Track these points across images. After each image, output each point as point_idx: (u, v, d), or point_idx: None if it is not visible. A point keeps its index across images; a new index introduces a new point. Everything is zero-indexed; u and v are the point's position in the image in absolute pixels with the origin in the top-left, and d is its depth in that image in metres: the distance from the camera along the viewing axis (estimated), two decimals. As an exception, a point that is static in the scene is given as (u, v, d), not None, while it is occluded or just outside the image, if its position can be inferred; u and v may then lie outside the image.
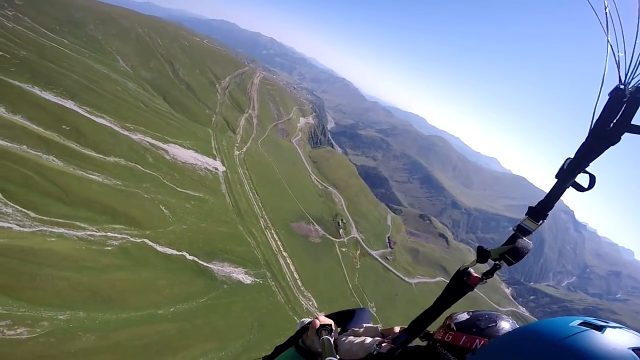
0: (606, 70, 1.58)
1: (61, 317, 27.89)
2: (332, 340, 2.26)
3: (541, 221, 1.98)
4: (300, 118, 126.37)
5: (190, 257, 40.85)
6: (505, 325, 1.84)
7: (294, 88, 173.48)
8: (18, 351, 24.15)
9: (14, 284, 27.62)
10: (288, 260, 54.20)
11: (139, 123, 59.63)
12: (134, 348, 28.89)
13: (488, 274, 2.09)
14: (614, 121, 1.62)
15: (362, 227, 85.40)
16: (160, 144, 58.34)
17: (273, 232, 58.58)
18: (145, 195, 44.95)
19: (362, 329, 2.79)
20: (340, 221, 79.53)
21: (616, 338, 1.18)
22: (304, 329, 2.61)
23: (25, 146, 39.13)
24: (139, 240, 37.93)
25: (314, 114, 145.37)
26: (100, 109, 55.13)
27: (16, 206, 31.89)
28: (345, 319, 3.35)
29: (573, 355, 1.16)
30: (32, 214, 32.37)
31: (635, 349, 1.12)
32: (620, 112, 1.60)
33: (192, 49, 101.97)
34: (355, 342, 2.50)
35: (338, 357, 2.10)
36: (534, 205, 2.01)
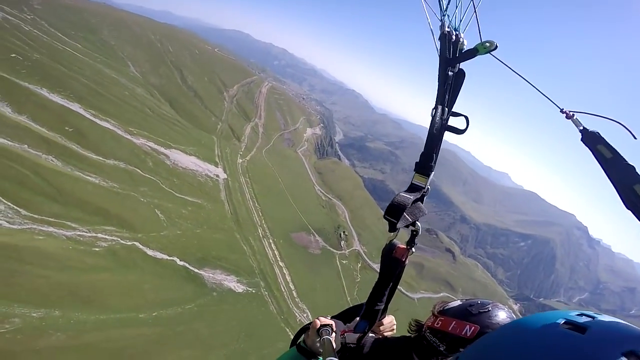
0: (429, 21, 1.96)
1: (34, 314, 27.08)
2: (333, 340, 2.19)
3: (430, 174, 2.03)
4: (307, 128, 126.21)
5: (181, 263, 39.92)
6: (500, 313, 1.69)
7: (303, 99, 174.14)
8: (-23, 346, 23.06)
9: (-10, 279, 26.99)
10: (284, 271, 52.76)
11: (143, 128, 60.02)
12: (106, 350, 27.82)
13: (410, 243, 2.09)
14: (440, 62, 1.92)
15: (365, 239, 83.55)
16: (162, 149, 58.45)
17: (271, 241, 57.46)
18: (142, 199, 44.64)
19: (351, 324, 2.65)
20: (342, 233, 78.00)
21: (601, 341, 1.04)
22: (305, 328, 2.57)
23: (25, 145, 39.47)
24: (129, 243, 37.34)
25: (322, 124, 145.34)
26: (105, 112, 55.71)
27: (8, 203, 31.95)
28: (353, 314, 3.19)
29: None
30: (23, 212, 32.33)
31: (626, 353, 0.97)
32: (440, 50, 1.92)
33: (202, 56, 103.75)
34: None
35: (337, 358, 2.03)
36: (418, 161, 2.07)
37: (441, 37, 1.94)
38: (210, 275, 41.53)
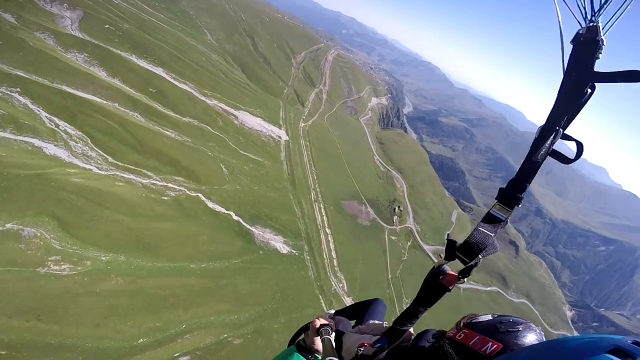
0: (559, 17, 1.47)
1: (104, 258, 29.30)
2: (332, 340, 2.26)
3: (516, 205, 1.74)
4: (373, 98, 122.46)
5: (236, 218, 42.87)
6: (530, 335, 1.52)
7: (371, 68, 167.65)
8: (50, 286, 25.76)
9: (75, 221, 30.17)
10: (330, 238, 54.07)
11: (216, 90, 64.64)
12: (153, 296, 29.66)
13: (464, 272, 1.81)
14: (577, 73, 1.47)
15: (421, 218, 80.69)
16: (231, 110, 62.64)
17: (322, 206, 59.02)
18: (209, 153, 49.10)
19: (367, 326, 2.72)
20: (397, 208, 76.21)
21: None
22: (305, 328, 2.65)
23: (117, 104, 45.59)
24: (193, 194, 41.07)
25: (389, 95, 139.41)
26: (184, 76, 61.00)
27: (99, 151, 37.61)
28: (360, 311, 3.33)
29: None
30: (110, 159, 37.70)
31: None
32: (581, 61, 1.45)
33: (272, 24, 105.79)
34: (352, 339, 2.46)
35: (337, 358, 2.07)
36: (503, 187, 1.76)
37: (585, 43, 1.43)
38: (260, 233, 43.96)
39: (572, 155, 1.60)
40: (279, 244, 45.04)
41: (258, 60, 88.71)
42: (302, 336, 2.62)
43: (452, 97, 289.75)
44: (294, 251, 46.12)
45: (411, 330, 2.35)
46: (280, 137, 67.34)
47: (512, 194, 1.73)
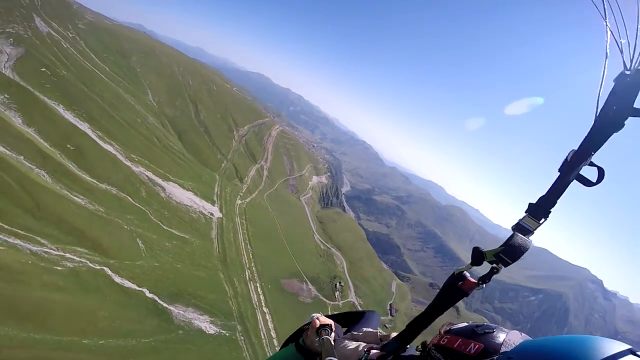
0: (607, 56, 1.64)
1: None
2: (332, 340, 2.23)
3: (543, 219, 1.87)
4: (314, 176, 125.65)
5: (150, 295, 36.72)
6: (502, 334, 1.69)
7: (313, 146, 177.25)
8: None
9: None
10: (267, 317, 48.15)
11: (145, 156, 60.08)
12: None
13: (484, 279, 1.95)
14: (617, 106, 1.69)
15: (362, 291, 78.05)
16: (159, 180, 57.64)
17: (258, 285, 53.52)
18: (125, 226, 42.87)
19: (361, 333, 2.69)
20: (338, 283, 73.20)
21: None
22: (304, 328, 2.57)
23: (22, 157, 39.31)
24: (97, 267, 34.91)
25: (329, 174, 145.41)
26: (111, 135, 56.05)
27: (-18, 208, 30.62)
28: (353, 321, 3.26)
29: None
30: None
31: None
32: (623, 97, 1.68)
33: (220, 94, 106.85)
34: (349, 347, 2.43)
35: (337, 358, 2.07)
36: (534, 202, 1.90)
37: (630, 83, 1.58)
38: (181, 312, 37.86)
39: (594, 179, 1.77)
40: (205, 324, 38.88)
41: (198, 128, 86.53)
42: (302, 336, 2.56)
43: (384, 175, 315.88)
44: (223, 331, 39.98)
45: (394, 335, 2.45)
46: (212, 213, 62.57)
47: (544, 209, 1.84)
